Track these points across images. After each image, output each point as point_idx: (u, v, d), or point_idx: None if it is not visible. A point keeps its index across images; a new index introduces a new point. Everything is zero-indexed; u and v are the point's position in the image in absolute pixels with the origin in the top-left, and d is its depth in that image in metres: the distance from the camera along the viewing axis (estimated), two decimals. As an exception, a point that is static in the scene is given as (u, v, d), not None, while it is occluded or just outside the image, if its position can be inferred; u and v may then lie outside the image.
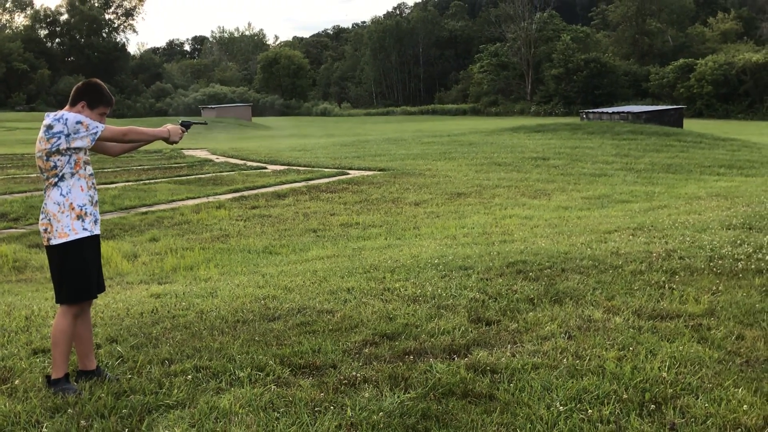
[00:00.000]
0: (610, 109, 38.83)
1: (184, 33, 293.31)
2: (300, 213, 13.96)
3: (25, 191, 16.83)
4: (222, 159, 24.59)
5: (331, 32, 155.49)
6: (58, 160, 4.46)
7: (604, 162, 22.02)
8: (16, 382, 4.60)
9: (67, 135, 4.42)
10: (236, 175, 19.52)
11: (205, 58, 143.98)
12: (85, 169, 4.57)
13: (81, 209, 4.53)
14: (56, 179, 4.49)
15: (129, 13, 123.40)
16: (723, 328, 5.39)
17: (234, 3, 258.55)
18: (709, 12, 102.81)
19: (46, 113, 4.55)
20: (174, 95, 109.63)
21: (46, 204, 4.52)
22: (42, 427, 3.98)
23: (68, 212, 4.50)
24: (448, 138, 31.37)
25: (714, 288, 6.52)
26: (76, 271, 4.53)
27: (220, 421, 4.00)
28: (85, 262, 4.56)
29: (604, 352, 4.92)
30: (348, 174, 19.42)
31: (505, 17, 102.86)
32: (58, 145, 4.43)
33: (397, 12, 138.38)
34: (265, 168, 21.44)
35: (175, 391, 4.42)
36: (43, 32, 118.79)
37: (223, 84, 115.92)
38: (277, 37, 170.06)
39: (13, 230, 12.76)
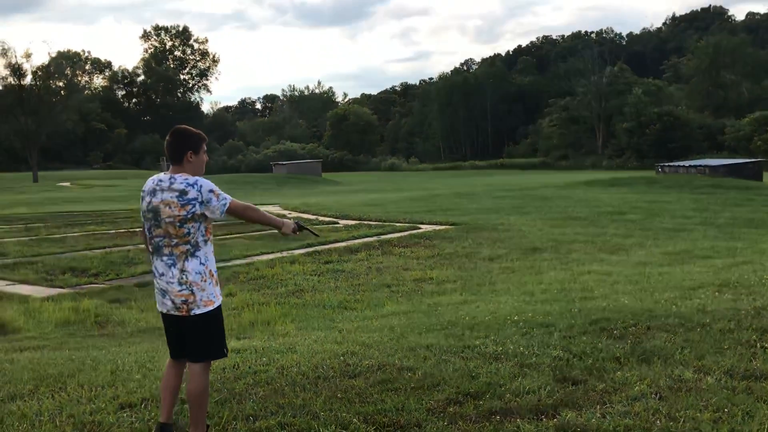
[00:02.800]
0: (686, 163, 38.16)
1: (255, 92, 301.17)
2: (373, 268, 13.96)
3: (104, 247, 17.25)
4: (294, 214, 24.89)
5: (399, 89, 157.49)
6: (192, 227, 4.43)
7: (683, 216, 21.55)
8: (105, 436, 4.65)
9: (201, 203, 4.40)
10: (309, 231, 19.65)
11: (276, 116, 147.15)
12: (212, 235, 4.60)
13: (215, 275, 4.59)
14: (188, 246, 4.45)
15: (203, 74, 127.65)
16: (824, 390, 5.14)
17: (305, 63, 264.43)
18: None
19: (170, 177, 4.46)
20: (246, 152, 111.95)
21: (185, 274, 4.45)
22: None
23: (209, 279, 4.51)
24: (520, 192, 31.21)
25: (809, 348, 6.24)
26: (222, 330, 4.66)
27: (307, 481, 3.96)
28: (223, 322, 4.70)
29: (699, 414, 4.74)
30: (419, 228, 19.39)
31: (575, 71, 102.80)
32: (194, 212, 4.40)
33: (464, 68, 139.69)
34: (337, 223, 21.60)
35: (261, 448, 4.40)
36: (120, 92, 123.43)
37: (293, 141, 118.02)
38: (345, 95, 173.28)
39: (94, 285, 13.04)
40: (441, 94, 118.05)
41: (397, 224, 20.29)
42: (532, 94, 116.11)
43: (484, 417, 4.89)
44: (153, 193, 4.45)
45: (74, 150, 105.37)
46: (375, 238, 17.56)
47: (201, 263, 4.47)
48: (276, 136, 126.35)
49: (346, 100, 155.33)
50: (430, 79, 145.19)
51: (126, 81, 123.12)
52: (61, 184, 64.05)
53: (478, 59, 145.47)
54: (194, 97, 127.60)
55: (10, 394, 5.74)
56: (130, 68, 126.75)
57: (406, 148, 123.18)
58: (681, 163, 38.05)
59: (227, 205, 4.47)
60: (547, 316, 8.15)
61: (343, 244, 16.89)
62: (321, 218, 23.26)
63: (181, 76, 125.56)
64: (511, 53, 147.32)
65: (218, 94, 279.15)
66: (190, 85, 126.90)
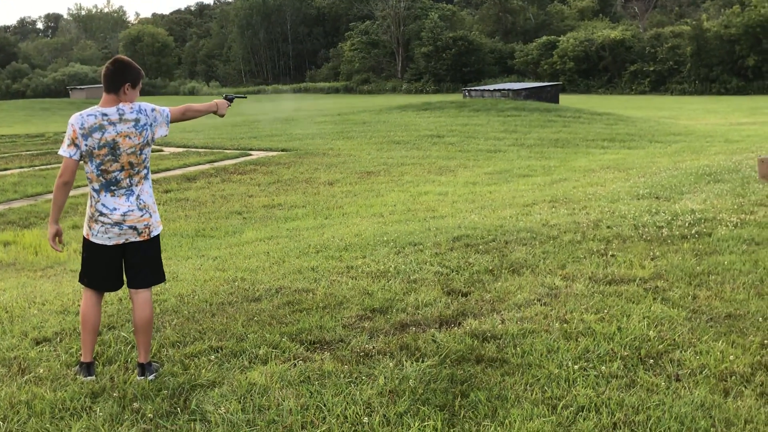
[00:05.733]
0: (491, 87, 40.05)
1: (36, 10, 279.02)
2: (217, 195, 13.94)
3: None
4: (111, 142, 23.95)
5: (194, 8, 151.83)
6: (148, 150, 4.51)
7: (496, 138, 22.82)
8: (41, 371, 4.64)
9: (151, 125, 4.45)
10: (134, 159, 19.09)
11: (62, 37, 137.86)
12: None
13: None
14: (146, 171, 4.53)
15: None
16: (677, 290, 5.88)
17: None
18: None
19: (117, 109, 4.35)
20: (32, 76, 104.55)
21: (142, 199, 4.49)
22: (94, 412, 4.07)
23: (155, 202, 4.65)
24: (339, 117, 31.59)
25: (651, 254, 7.05)
26: None
27: (264, 396, 4.18)
28: None
29: (585, 316, 5.35)
30: (251, 155, 19.37)
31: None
32: (147, 136, 4.44)
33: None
34: (162, 150, 21.08)
35: (203, 371, 4.55)
36: None
37: (84, 63, 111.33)
38: (138, 14, 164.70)
39: None
40: (240, 16, 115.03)
41: (227, 151, 20.17)
42: (331, 18, 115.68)
43: (398, 329, 5.27)
44: (101, 128, 4.30)
45: None
46: (209, 165, 17.41)
47: (150, 185, 4.60)
48: (64, 58, 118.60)
49: (137, 19, 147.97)
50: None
51: None
52: None
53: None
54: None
55: None
56: None
57: (205, 71, 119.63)
58: (486, 87, 39.88)
59: (169, 116, 4.59)
60: (411, 235, 8.67)
61: (178, 172, 16.64)
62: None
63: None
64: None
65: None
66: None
